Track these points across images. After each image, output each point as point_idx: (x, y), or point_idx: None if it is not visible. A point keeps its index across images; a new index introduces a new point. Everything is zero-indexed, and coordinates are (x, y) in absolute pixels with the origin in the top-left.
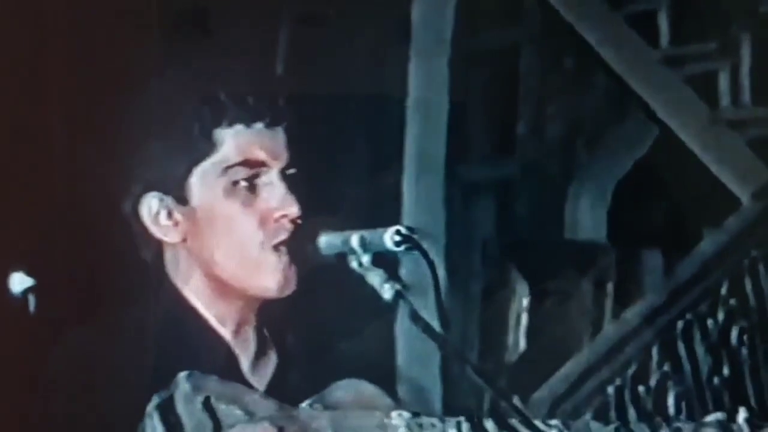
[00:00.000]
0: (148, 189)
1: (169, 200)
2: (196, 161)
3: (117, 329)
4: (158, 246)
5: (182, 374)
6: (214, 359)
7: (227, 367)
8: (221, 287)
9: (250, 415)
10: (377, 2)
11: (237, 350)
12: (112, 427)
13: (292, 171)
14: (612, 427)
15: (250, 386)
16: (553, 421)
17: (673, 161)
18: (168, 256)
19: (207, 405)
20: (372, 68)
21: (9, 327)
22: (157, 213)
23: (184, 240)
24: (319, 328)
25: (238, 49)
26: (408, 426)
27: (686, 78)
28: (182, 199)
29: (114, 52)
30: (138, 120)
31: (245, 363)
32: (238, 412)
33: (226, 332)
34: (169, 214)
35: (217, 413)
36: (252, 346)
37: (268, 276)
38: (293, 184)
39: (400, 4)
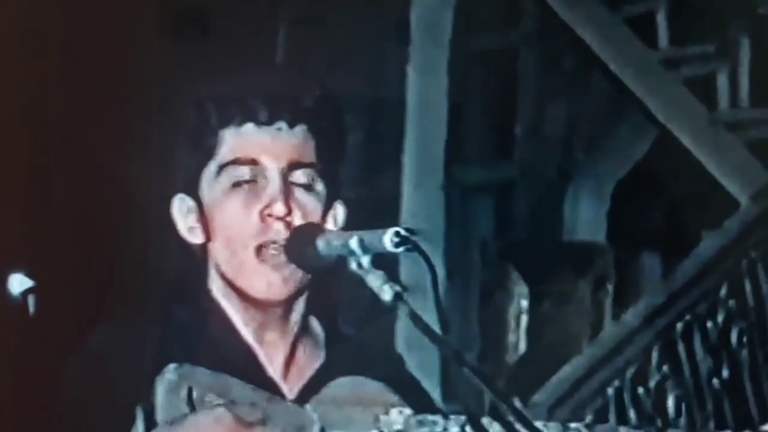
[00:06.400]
0: (174, 191)
1: (189, 201)
2: (204, 162)
3: (126, 330)
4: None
5: (171, 365)
6: (235, 361)
7: (248, 369)
8: (233, 289)
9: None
10: (376, 4)
11: (262, 352)
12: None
13: (304, 172)
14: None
15: (276, 389)
16: (573, 424)
17: (672, 163)
18: (199, 257)
19: (191, 396)
20: (371, 70)
21: (8, 329)
22: (185, 214)
23: (207, 241)
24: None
25: (237, 49)
26: (407, 423)
27: (685, 80)
28: (198, 201)
29: (114, 52)
30: (142, 120)
31: (274, 366)
32: (222, 403)
33: (249, 335)
34: (192, 216)
35: (196, 404)
36: (282, 350)
37: (255, 276)
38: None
39: (398, 6)
